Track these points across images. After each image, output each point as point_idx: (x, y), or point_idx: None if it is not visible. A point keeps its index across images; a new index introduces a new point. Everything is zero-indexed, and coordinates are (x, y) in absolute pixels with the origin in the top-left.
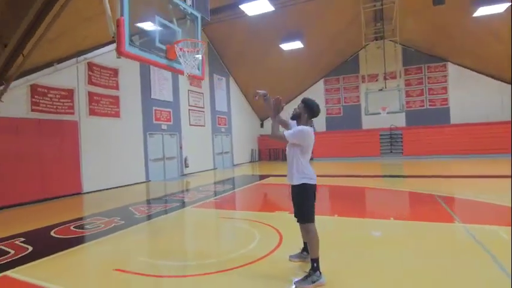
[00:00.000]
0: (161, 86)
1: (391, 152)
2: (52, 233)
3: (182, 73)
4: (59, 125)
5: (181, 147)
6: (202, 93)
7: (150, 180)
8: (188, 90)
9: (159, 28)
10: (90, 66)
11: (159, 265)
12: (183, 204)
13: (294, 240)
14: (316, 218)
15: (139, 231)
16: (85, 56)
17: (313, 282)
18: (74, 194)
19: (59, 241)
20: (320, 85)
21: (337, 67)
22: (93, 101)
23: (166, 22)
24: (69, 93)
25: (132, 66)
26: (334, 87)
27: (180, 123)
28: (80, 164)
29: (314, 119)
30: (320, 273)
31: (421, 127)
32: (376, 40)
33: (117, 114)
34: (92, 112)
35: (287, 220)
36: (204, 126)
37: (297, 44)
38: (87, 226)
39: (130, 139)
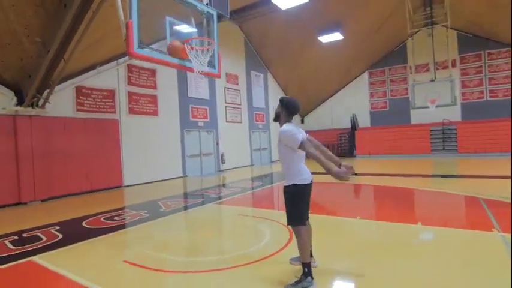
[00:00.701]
0: (197, 85)
1: (444, 149)
2: (83, 224)
3: (193, 71)
4: (101, 123)
5: (217, 144)
6: (239, 90)
7: (186, 176)
8: (225, 87)
9: (173, 28)
10: (130, 67)
11: (158, 258)
12: (208, 200)
13: None
14: (336, 219)
15: (157, 225)
16: (125, 58)
17: None
18: (115, 187)
19: (87, 231)
20: (364, 78)
21: (382, 58)
22: (133, 100)
23: (179, 22)
24: (111, 94)
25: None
26: (379, 79)
27: (216, 120)
28: (121, 159)
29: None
30: (312, 278)
31: (480, 121)
32: (426, 27)
33: (155, 113)
34: (132, 111)
35: None
36: (240, 122)
37: (336, 36)
38: (116, 218)
39: (167, 136)
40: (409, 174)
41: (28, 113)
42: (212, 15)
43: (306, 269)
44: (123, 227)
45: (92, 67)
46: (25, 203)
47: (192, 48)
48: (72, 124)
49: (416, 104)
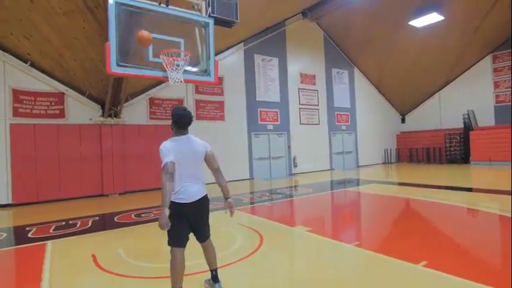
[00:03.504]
0: (267, 88)
1: None
2: (115, 218)
3: (167, 80)
4: (170, 128)
5: (289, 147)
6: (317, 90)
7: (253, 178)
8: (299, 88)
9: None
10: None
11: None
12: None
13: (265, 261)
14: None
15: None
16: None
17: None
18: None
19: (112, 224)
20: (484, 65)
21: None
22: (200, 107)
23: (163, 36)
24: (179, 103)
25: (237, 72)
26: (507, 65)
27: (288, 122)
28: None
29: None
30: None
31: None
32: None
33: (221, 118)
34: (199, 117)
35: (294, 236)
36: (318, 124)
37: (433, 17)
38: (143, 215)
39: (234, 139)
40: None
41: (109, 122)
42: (208, 24)
43: None
44: (143, 222)
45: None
46: (106, 195)
47: (171, 58)
48: (145, 130)
49: None
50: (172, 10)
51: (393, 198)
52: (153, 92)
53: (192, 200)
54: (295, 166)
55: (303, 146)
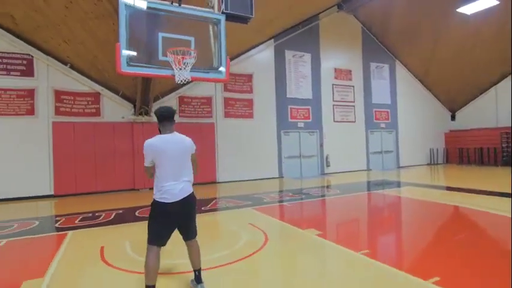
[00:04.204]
0: (298, 85)
1: None
2: (136, 213)
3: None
4: (199, 126)
5: (321, 145)
6: (353, 86)
7: (282, 177)
8: (333, 84)
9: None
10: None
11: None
12: (251, 204)
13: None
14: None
15: None
16: None
17: None
18: (210, 183)
19: (132, 218)
20: None
21: None
22: (228, 105)
23: (173, 35)
24: (208, 101)
25: (267, 69)
26: None
27: (321, 120)
28: (216, 158)
29: None
30: None
31: None
32: None
33: (250, 115)
34: (227, 115)
35: (300, 239)
36: (354, 122)
37: (486, 2)
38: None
39: (263, 137)
40: None
41: (140, 120)
42: (219, 21)
43: None
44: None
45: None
46: (138, 189)
47: (179, 57)
48: (175, 128)
49: None
50: (184, 8)
51: (431, 204)
52: (183, 91)
53: (176, 200)
54: (328, 165)
55: (337, 144)
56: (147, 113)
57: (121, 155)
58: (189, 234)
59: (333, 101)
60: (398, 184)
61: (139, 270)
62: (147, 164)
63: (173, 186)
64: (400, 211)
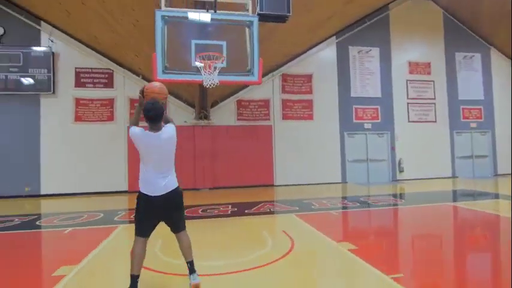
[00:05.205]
0: (364, 82)
1: None
2: (245, 211)
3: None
4: (256, 129)
5: (393, 149)
6: (432, 80)
7: (346, 182)
8: (407, 80)
9: (199, 46)
10: (284, 77)
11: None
12: (297, 210)
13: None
14: None
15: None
16: (280, 69)
17: None
18: (267, 185)
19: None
20: None
21: None
22: (287, 106)
23: (204, 41)
24: (266, 103)
25: (328, 68)
26: None
27: (392, 120)
28: (273, 161)
29: None
30: None
31: None
32: None
33: (310, 117)
34: (285, 116)
35: (328, 252)
36: (434, 121)
37: None
38: (208, 211)
39: (323, 139)
40: None
41: (200, 123)
42: (252, 22)
43: (131, 281)
44: (211, 217)
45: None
46: (198, 189)
47: (209, 62)
48: (233, 131)
49: None
50: (219, 14)
51: None
52: (241, 95)
53: (158, 194)
54: (401, 171)
55: (412, 147)
56: (206, 117)
57: (183, 157)
58: (175, 227)
59: (408, 98)
60: (494, 196)
61: (164, 270)
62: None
63: (156, 180)
64: (484, 233)
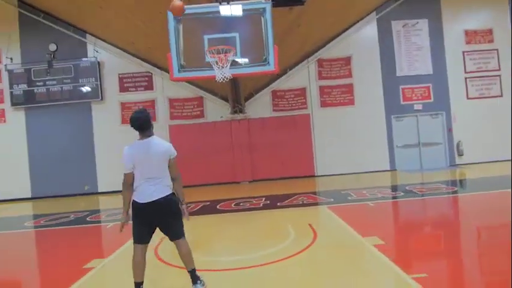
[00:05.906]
0: (412, 59)
1: None
2: (217, 206)
3: (214, 77)
4: (293, 119)
5: (450, 130)
6: (496, 49)
7: (395, 169)
8: (464, 52)
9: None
10: (320, 62)
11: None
12: (332, 202)
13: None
14: None
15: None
16: (315, 54)
17: None
18: (307, 176)
19: (210, 210)
20: None
21: None
22: (324, 93)
23: (216, 35)
24: (302, 92)
25: (368, 48)
26: None
27: (447, 99)
28: (313, 151)
29: None
30: None
31: None
32: None
33: (351, 102)
34: (324, 104)
35: (351, 247)
36: (500, 96)
37: None
38: (241, 204)
39: (367, 125)
40: None
41: (237, 118)
42: (265, 9)
43: None
44: (237, 211)
45: (283, 71)
46: (238, 182)
47: (223, 55)
48: (269, 122)
49: None
50: (232, 5)
51: None
52: (276, 85)
53: (148, 201)
54: (461, 154)
55: (473, 127)
56: (241, 111)
57: (222, 151)
58: (171, 235)
59: (465, 72)
60: None
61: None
62: (126, 170)
63: (145, 188)
64: None
